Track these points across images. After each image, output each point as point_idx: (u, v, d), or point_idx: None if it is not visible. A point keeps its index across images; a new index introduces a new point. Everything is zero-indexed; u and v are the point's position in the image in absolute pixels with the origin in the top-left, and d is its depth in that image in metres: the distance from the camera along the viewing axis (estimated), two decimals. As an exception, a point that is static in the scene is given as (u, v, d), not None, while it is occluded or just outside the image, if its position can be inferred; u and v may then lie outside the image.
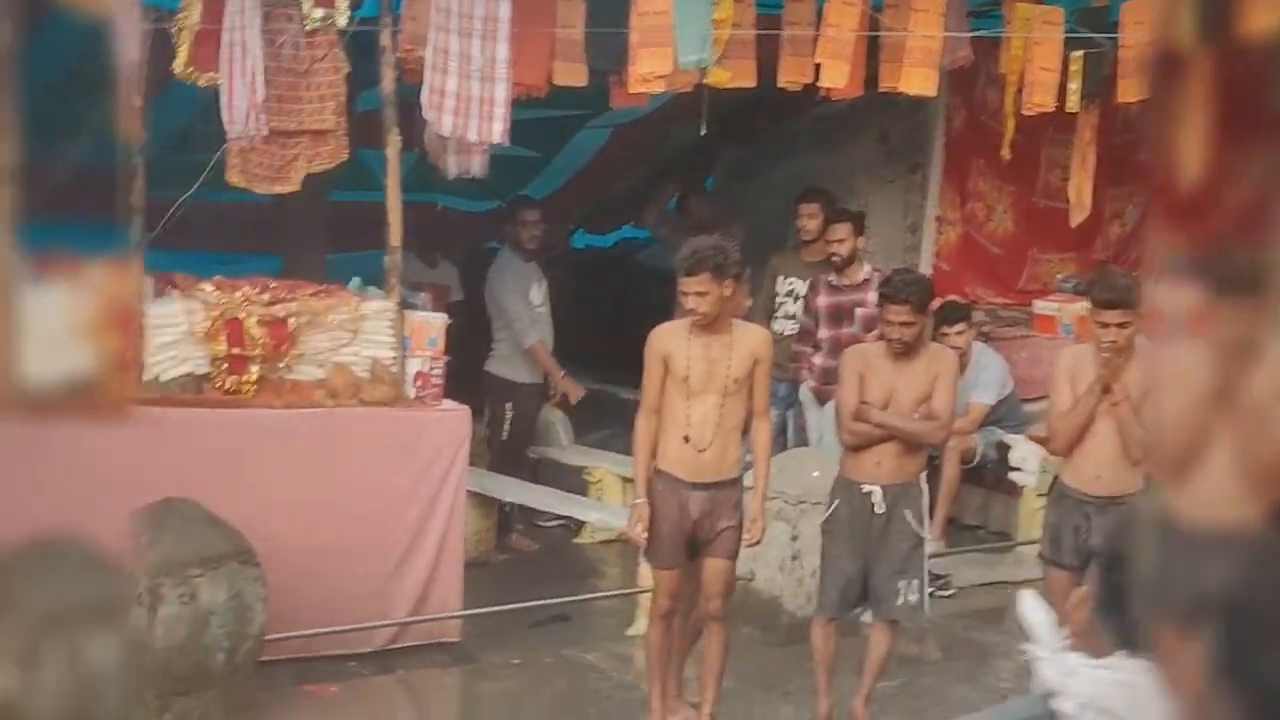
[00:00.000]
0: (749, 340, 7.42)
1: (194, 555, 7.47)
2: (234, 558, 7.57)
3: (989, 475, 11.92)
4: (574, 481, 11.60)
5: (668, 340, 7.42)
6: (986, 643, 9.55)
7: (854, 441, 7.72)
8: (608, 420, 12.68)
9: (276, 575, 7.79)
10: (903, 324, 7.54)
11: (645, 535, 7.43)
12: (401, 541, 8.79)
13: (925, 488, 7.94)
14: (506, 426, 11.33)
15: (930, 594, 8.03)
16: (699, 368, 7.32)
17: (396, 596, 8.83)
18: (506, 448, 11.36)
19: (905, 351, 7.61)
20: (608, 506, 11.03)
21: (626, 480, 11.29)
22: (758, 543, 7.59)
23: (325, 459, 8.50)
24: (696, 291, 7.25)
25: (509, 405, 11.30)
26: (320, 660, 8.52)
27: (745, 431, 7.54)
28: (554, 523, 11.88)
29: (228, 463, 8.21)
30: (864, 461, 7.72)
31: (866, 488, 7.70)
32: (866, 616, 8.18)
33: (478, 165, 9.59)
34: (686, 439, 7.37)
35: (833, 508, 7.85)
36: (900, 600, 7.74)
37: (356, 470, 8.60)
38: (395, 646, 8.85)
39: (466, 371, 10.14)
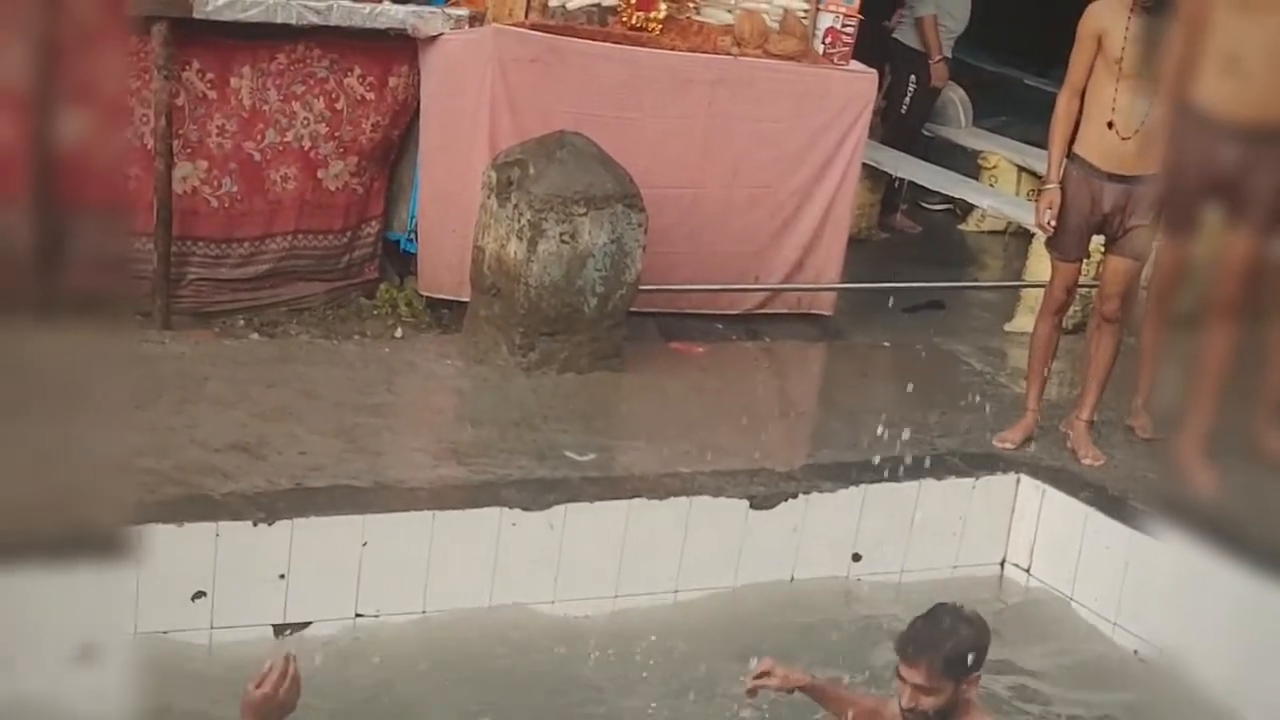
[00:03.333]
0: None
1: (580, 192, 7.13)
2: (620, 200, 7.21)
3: None
4: (967, 165, 10.94)
5: (1105, 17, 6.74)
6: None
7: None
8: (1008, 106, 11.92)
9: (656, 224, 7.43)
10: None
11: (1052, 223, 6.86)
12: (787, 205, 8.33)
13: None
14: (907, 100, 10.68)
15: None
16: (1135, 49, 6.63)
17: (773, 261, 8.41)
18: (903, 121, 10.73)
19: None
20: (1002, 194, 10.36)
21: (1022, 170, 10.65)
22: None
23: (722, 109, 8.01)
24: None
25: (913, 77, 10.63)
26: (688, 318, 8.19)
27: None
28: (940, 206, 11.29)
29: (624, 101, 7.79)
30: None
31: None
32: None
33: None
34: (1110, 125, 6.72)
35: None
36: None
37: (752, 124, 8.10)
38: (764, 312, 8.46)
39: (870, 36, 9.49)
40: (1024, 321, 8.43)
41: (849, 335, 8.61)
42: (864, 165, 9.04)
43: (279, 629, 5.63)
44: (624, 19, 7.79)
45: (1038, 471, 6.99)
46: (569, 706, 5.58)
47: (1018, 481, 6.98)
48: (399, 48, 7.54)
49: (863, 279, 9.11)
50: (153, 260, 7.14)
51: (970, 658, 4.46)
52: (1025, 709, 6.14)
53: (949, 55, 10.81)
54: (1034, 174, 10.11)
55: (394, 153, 7.84)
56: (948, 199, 11.00)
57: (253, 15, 7.10)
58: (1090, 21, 6.77)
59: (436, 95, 7.63)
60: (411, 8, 7.55)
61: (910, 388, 7.93)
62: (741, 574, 6.42)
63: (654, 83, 7.85)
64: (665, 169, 7.87)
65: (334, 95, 7.50)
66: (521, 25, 7.59)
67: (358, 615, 5.75)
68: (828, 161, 8.34)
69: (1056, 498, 6.87)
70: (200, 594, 5.49)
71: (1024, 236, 9.63)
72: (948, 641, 4.44)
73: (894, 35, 10.65)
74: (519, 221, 7.13)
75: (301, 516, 5.66)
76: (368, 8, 7.41)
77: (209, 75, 7.21)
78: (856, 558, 6.65)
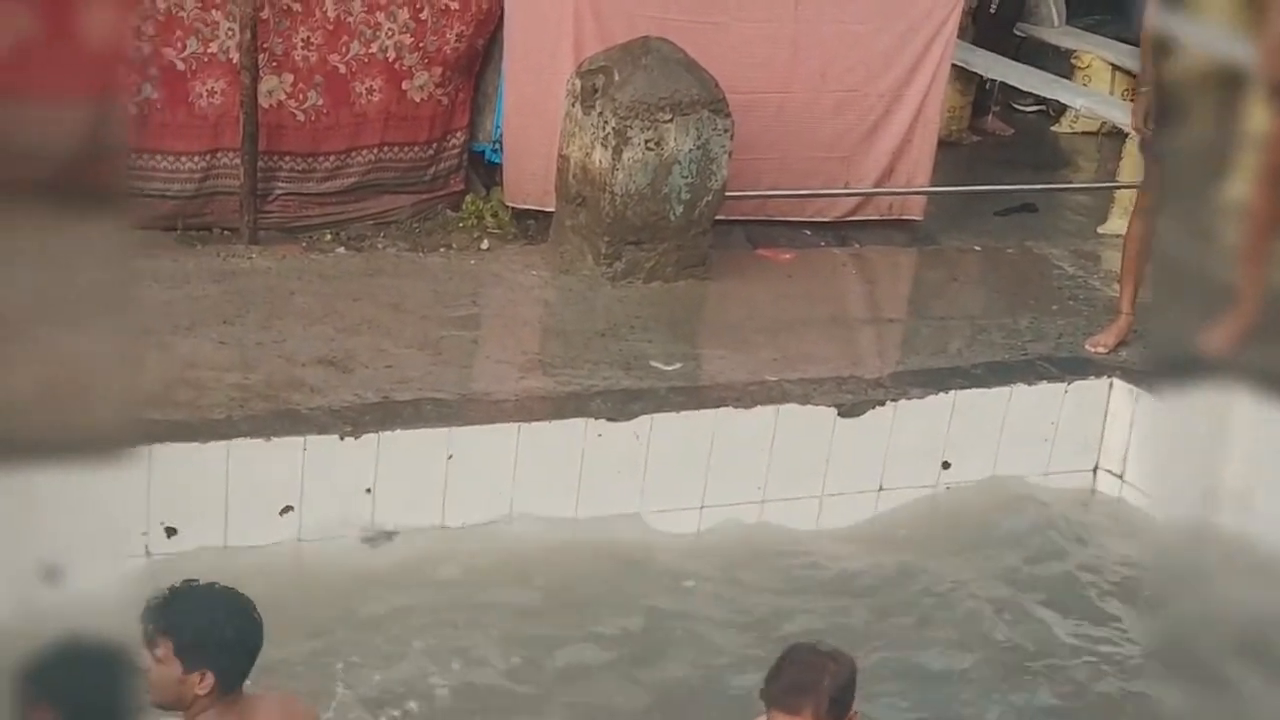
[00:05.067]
0: None
1: (666, 99, 6.97)
2: (706, 105, 7.06)
3: None
4: (1060, 65, 10.62)
5: None
6: None
7: None
8: (1101, 3, 11.57)
9: (743, 129, 7.26)
10: None
11: (1150, 127, 6.63)
12: (876, 108, 8.12)
13: None
14: (996, -1, 10.41)
15: None
16: None
17: (862, 166, 8.21)
18: (994, 21, 10.42)
19: None
20: (1096, 94, 10.07)
21: (1117, 68, 10.34)
22: None
23: (809, 11, 7.80)
24: None
25: (1003, -25, 10.35)
26: (776, 225, 8.03)
27: None
28: (1032, 107, 11.00)
29: (709, 5, 7.60)
30: None
31: None
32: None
33: None
34: None
35: None
36: None
37: (839, 26, 7.89)
38: (854, 219, 8.27)
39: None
40: (1118, 223, 8.20)
41: (939, 240, 8.41)
42: (954, 67, 8.80)
43: (366, 542, 5.58)
44: (708, -79, 7.60)
45: (1131, 376, 6.81)
46: (652, 621, 5.51)
47: (1110, 386, 6.80)
48: (483, -45, 7.43)
49: (953, 182, 8.90)
50: (239, 175, 7.08)
51: (848, 691, 3.94)
52: (1119, 614, 6.01)
53: (1040, -49, 10.52)
54: (1128, 73, 9.82)
55: (479, 62, 7.71)
56: (1040, 100, 10.70)
57: (335, -74, 7.02)
58: None
59: (520, 3, 7.48)
60: (496, -86, 7.43)
61: (1001, 292, 7.76)
62: (829, 483, 6.30)
63: (738, -12, 7.68)
64: (752, 73, 7.70)
65: (418, 5, 7.38)
66: (605, -70, 7.43)
67: (443, 527, 5.69)
68: (917, 63, 8.11)
69: (1150, 402, 6.68)
70: (288, 508, 5.45)
71: (1118, 137, 9.37)
72: (825, 679, 3.89)
73: (984, -67, 10.34)
74: (604, 129, 6.99)
75: (388, 430, 5.61)
76: (451, -85, 7.29)
77: (293, -13, 7.13)
78: (946, 465, 6.51)
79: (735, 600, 5.76)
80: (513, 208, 7.64)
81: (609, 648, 5.40)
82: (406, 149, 7.57)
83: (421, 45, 7.42)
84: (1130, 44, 9.43)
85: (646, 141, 6.97)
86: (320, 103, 7.29)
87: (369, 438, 5.55)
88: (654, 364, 6.39)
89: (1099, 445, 6.84)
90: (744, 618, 5.67)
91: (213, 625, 3.61)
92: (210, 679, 3.61)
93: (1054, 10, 10.98)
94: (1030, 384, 6.69)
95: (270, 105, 7.15)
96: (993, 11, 10.42)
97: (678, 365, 6.42)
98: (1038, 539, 6.42)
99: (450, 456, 5.65)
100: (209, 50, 6.99)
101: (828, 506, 6.31)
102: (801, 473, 6.26)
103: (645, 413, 5.99)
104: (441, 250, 7.39)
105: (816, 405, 6.28)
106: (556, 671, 5.25)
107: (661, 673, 5.33)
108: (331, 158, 7.40)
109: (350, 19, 7.25)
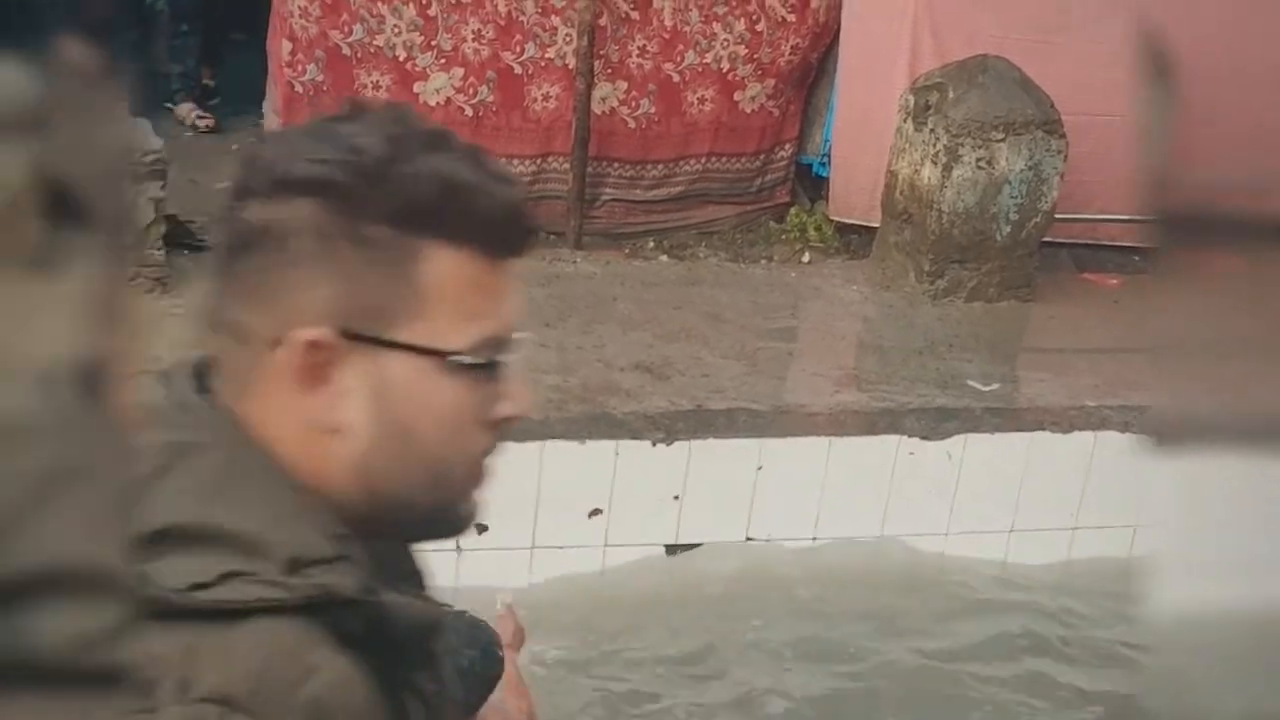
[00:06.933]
0: None
1: (1000, 118, 6.79)
2: (1039, 126, 6.84)
3: None
4: None
5: None
6: None
7: None
8: None
9: (1076, 151, 7.02)
10: None
11: None
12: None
13: None
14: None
15: None
16: None
17: (1199, 190, 7.88)
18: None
19: None
20: None
21: None
22: None
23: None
24: None
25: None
26: (1104, 249, 7.76)
27: None
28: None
29: (1051, 23, 7.39)
30: None
31: None
32: None
33: None
34: None
35: None
36: None
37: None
38: (1189, 243, 7.95)
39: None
40: None
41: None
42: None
43: (670, 549, 5.56)
44: (1050, -62, 7.38)
45: None
46: (951, 645, 5.35)
47: None
48: (823, -31, 7.36)
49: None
50: (568, 180, 7.14)
51: None
52: None
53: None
54: None
55: (811, 75, 7.65)
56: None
57: (675, -64, 7.03)
58: None
59: (858, 17, 7.39)
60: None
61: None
62: (1144, 513, 6.04)
63: (1084, 4, 7.41)
64: (1088, 95, 7.43)
65: (755, 16, 7.35)
66: (945, -54, 7.28)
67: (748, 539, 5.63)
68: (1265, 87, 7.74)
69: None
70: (596, 511, 5.46)
71: None
72: None
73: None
74: (935, 146, 6.85)
75: (699, 438, 5.55)
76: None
77: (632, -5, 7.17)
78: (1267, 500, 6.18)
79: (1049, 630, 5.56)
80: (836, 222, 7.55)
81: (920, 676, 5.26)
82: (734, 159, 7.54)
83: (756, 56, 7.38)
84: None
85: (977, 160, 6.80)
86: (652, 111, 7.32)
87: (680, 445, 5.52)
88: (971, 383, 6.21)
89: None
90: (1058, 650, 5.46)
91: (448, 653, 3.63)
92: None
93: None
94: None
95: (603, 112, 7.21)
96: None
97: (995, 386, 6.24)
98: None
99: (759, 468, 5.58)
100: (546, 55, 7.08)
101: (1143, 537, 6.04)
102: (1116, 501, 6.01)
103: (959, 432, 5.82)
104: (763, 262, 7.34)
105: (1137, 433, 6.03)
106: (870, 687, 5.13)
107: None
108: (660, 166, 7.42)
109: (687, 29, 7.26)
